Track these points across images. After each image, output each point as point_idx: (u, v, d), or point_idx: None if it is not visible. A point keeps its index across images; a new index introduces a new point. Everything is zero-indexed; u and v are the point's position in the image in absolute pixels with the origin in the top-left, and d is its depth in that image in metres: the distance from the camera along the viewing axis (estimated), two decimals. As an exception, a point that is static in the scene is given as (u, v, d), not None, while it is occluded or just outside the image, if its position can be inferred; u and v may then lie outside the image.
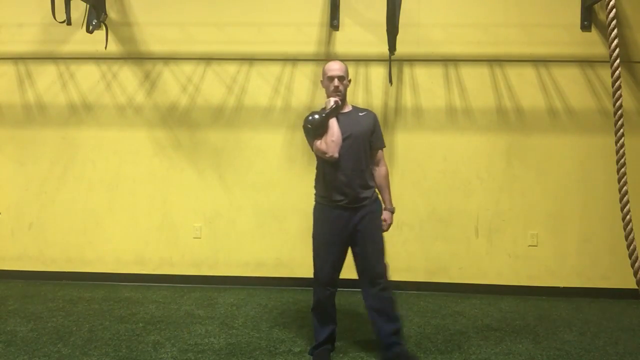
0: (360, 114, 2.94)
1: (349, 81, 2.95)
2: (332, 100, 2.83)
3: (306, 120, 2.86)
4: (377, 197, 2.97)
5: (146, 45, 4.47)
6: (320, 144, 2.81)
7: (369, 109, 3.07)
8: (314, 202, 2.98)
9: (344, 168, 2.81)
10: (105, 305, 3.88)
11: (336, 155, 2.76)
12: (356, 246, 2.88)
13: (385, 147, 3.03)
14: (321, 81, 2.96)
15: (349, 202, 2.83)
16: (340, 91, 2.84)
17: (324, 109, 2.87)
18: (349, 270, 4.41)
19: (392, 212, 3.02)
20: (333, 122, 2.79)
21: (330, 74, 2.85)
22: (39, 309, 3.76)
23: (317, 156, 2.90)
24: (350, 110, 2.94)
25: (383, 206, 2.99)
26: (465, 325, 3.52)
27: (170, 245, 4.52)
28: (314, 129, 2.82)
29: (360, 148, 2.86)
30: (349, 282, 4.36)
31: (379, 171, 2.99)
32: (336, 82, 2.83)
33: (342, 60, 2.93)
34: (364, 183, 2.86)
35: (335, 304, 2.98)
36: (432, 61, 4.33)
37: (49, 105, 4.53)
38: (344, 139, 2.79)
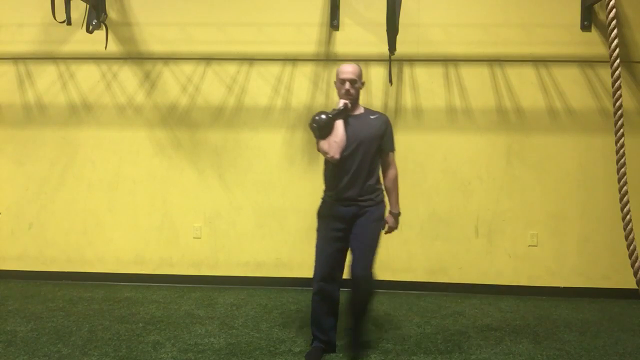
0: (371, 117, 2.94)
1: (362, 84, 2.94)
2: (342, 102, 2.85)
3: (312, 119, 2.86)
4: (382, 201, 2.97)
5: (146, 45, 4.46)
6: (323, 143, 2.82)
7: (383, 112, 3.00)
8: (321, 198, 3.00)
9: (348, 170, 2.82)
10: (105, 305, 3.88)
11: (337, 156, 2.76)
12: (348, 243, 2.89)
13: (395, 150, 3.01)
14: (334, 82, 2.95)
15: (351, 202, 2.85)
16: (351, 94, 2.85)
17: (334, 109, 2.86)
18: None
19: (397, 215, 3.00)
20: (339, 124, 2.80)
21: (342, 76, 2.86)
22: (39, 309, 3.76)
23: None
24: (362, 113, 2.93)
25: (388, 209, 2.98)
26: (465, 325, 3.52)
27: (170, 245, 4.52)
28: (319, 128, 2.82)
29: (368, 151, 2.86)
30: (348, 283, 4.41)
31: (388, 174, 3.00)
32: (347, 85, 2.84)
33: (346, 61, 2.92)
34: (368, 186, 2.87)
35: (334, 302, 2.94)
36: (432, 61, 4.32)
37: (49, 105, 4.53)
38: (351, 141, 2.79)
